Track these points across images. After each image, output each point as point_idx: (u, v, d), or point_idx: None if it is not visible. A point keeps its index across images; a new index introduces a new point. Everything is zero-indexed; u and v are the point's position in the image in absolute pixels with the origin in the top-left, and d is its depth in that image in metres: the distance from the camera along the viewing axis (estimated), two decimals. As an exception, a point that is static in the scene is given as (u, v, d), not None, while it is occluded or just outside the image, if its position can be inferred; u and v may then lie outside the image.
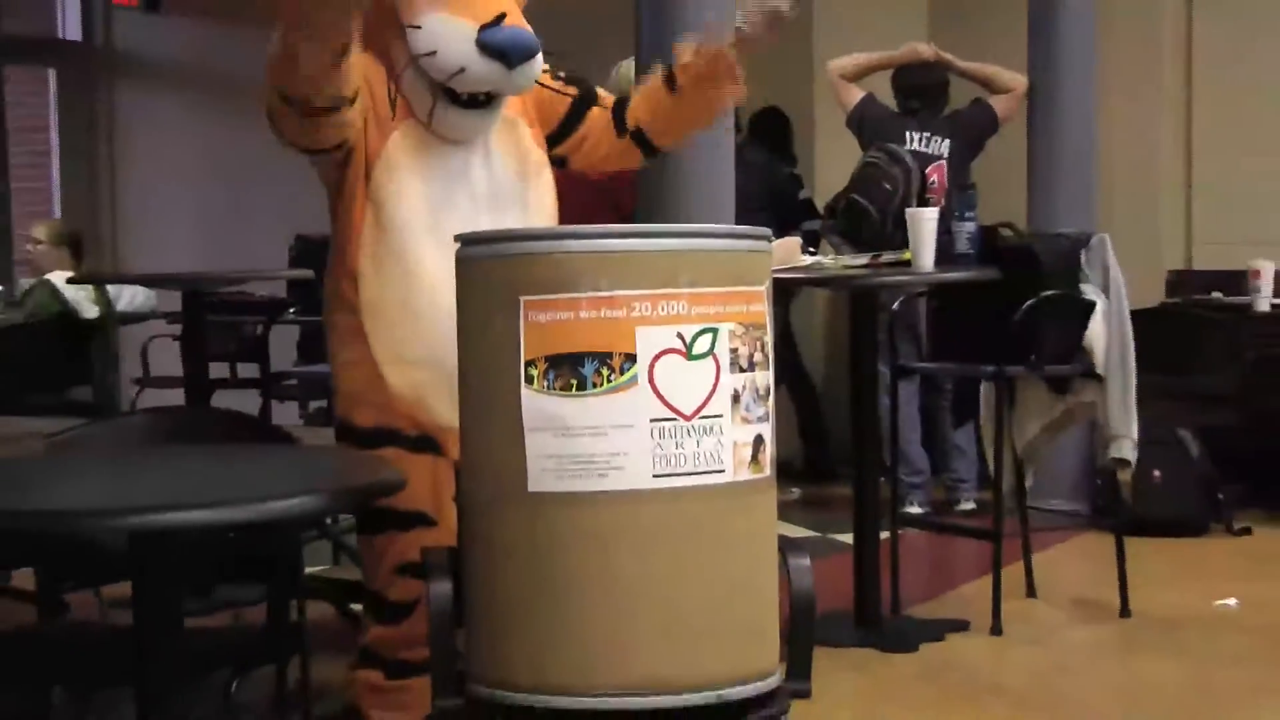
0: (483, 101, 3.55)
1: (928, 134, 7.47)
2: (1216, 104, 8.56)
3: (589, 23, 7.33)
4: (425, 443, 3.53)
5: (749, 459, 2.90)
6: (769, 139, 8.44)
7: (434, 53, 3.47)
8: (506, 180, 3.66)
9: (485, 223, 3.52)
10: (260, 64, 3.29)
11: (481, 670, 2.88)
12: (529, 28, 3.56)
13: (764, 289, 2.96)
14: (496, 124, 3.65)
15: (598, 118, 3.83)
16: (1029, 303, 5.34)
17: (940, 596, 6.19)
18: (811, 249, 6.28)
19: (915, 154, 7.04)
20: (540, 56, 3.58)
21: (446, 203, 3.55)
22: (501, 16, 3.46)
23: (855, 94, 7.58)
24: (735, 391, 2.87)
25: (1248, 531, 7.18)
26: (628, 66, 5.56)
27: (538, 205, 3.70)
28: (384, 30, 3.53)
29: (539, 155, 3.75)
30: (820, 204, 7.70)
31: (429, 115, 3.56)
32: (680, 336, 2.82)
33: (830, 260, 5.90)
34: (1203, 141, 8.61)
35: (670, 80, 3.73)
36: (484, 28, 3.43)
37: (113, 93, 12.07)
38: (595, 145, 3.84)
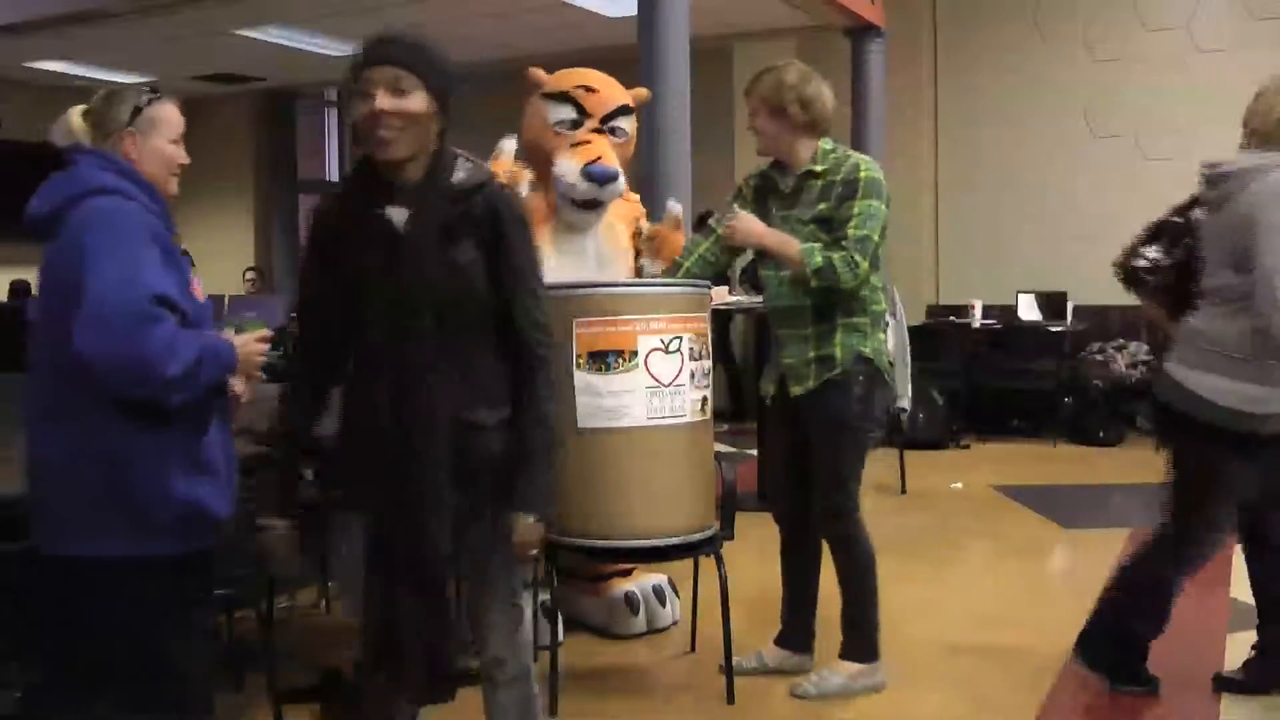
0: (590, 205, 3.36)
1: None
2: (954, 210, 8.50)
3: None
4: None
5: (699, 408, 2.84)
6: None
7: (561, 178, 3.34)
8: (606, 254, 3.43)
9: (591, 278, 3.27)
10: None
11: (562, 528, 2.77)
12: (616, 164, 3.38)
13: (706, 315, 2.92)
14: (602, 223, 3.44)
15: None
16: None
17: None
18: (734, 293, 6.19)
19: None
20: (621, 180, 3.40)
21: (569, 265, 3.31)
22: (598, 158, 3.33)
23: None
24: (692, 372, 2.82)
25: (968, 447, 7.14)
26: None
27: (624, 270, 3.48)
28: (544, 166, 3.40)
29: (626, 244, 3.53)
30: (738, 269, 7.58)
31: (560, 213, 3.38)
32: (662, 340, 2.77)
33: (744, 299, 5.84)
34: (944, 234, 8.54)
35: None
36: (587, 164, 3.31)
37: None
38: (661, 243, 3.52)
